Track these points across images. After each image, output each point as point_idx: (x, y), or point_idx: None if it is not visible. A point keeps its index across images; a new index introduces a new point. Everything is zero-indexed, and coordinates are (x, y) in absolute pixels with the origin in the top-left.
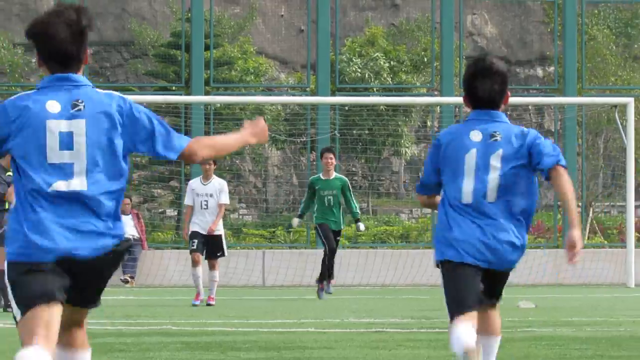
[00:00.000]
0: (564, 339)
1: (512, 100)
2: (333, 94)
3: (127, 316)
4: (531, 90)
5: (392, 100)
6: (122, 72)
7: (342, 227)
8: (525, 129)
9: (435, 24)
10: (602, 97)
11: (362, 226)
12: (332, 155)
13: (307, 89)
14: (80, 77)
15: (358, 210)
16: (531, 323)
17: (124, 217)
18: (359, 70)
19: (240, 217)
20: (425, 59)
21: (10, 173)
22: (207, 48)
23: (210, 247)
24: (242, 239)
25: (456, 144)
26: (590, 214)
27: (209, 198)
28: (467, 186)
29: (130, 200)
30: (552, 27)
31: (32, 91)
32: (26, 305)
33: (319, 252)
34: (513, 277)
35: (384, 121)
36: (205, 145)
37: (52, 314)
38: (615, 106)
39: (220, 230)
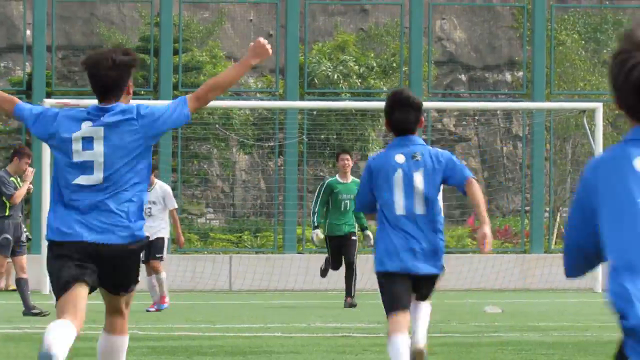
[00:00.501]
0: (530, 344)
1: (481, 105)
2: (301, 98)
3: (93, 320)
4: (499, 95)
5: (361, 104)
6: None
7: (355, 229)
8: (440, 151)
9: (404, 29)
10: (571, 102)
11: (370, 235)
12: (348, 157)
13: (276, 94)
14: (114, 104)
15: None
16: (498, 328)
17: None
18: (330, 70)
19: (208, 221)
20: (394, 64)
21: (13, 178)
22: (175, 53)
23: (151, 249)
24: (209, 243)
25: (385, 167)
26: (558, 219)
27: (152, 205)
28: (399, 201)
29: None
30: (521, 32)
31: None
32: None
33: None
34: (480, 282)
35: (352, 126)
36: (210, 89)
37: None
38: (584, 111)
39: (164, 233)
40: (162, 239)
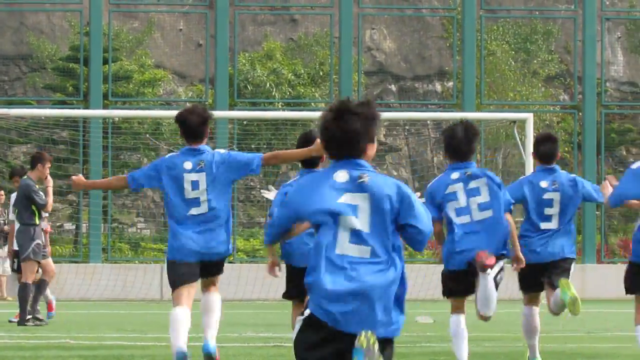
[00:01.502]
0: None
1: (411, 115)
2: (231, 107)
3: (25, 330)
4: (430, 105)
5: (291, 114)
6: (21, 85)
7: None
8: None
9: (334, 38)
10: (501, 112)
11: None
12: None
13: (206, 103)
14: (203, 146)
15: None
16: (429, 338)
17: None
18: (264, 76)
19: (139, 231)
20: (322, 73)
21: (38, 185)
22: (105, 62)
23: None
24: (140, 253)
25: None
26: None
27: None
28: None
29: None
30: (451, 42)
31: (176, 154)
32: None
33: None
34: (412, 292)
35: (283, 135)
36: (272, 157)
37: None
38: (514, 122)
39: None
40: None
